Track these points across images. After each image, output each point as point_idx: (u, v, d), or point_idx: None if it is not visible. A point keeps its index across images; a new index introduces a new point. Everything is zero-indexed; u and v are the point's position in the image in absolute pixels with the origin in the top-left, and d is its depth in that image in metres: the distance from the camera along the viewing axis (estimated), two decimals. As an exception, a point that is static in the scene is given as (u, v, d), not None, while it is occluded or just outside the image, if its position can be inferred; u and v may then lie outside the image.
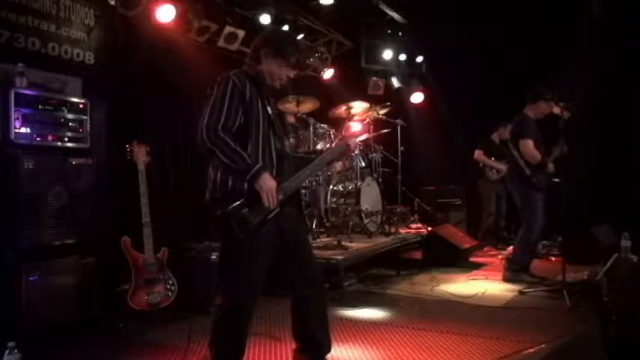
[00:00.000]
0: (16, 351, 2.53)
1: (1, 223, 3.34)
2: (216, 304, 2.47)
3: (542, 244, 6.25)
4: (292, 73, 2.60)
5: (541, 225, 4.85)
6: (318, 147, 5.57)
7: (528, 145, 4.77)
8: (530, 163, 4.78)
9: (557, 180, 4.82)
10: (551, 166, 4.81)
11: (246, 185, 2.34)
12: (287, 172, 2.51)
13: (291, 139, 5.58)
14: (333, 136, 5.84)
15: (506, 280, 4.90)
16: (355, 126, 6.13)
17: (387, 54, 7.47)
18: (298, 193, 2.63)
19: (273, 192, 2.33)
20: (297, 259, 2.60)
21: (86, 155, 3.74)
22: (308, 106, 5.84)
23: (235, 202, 2.33)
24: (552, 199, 4.87)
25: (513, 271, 4.90)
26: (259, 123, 2.43)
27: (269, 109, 2.51)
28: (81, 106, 3.76)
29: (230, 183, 2.36)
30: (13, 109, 3.37)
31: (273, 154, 2.47)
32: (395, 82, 7.74)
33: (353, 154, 5.70)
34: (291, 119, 5.91)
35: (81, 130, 3.75)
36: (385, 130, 6.21)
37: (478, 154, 6.84)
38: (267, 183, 2.32)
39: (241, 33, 5.58)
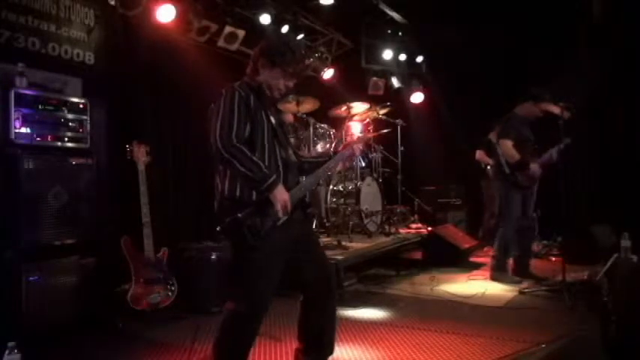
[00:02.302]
0: (16, 351, 2.53)
1: (1, 223, 3.34)
2: (228, 309, 2.48)
3: (542, 244, 6.26)
4: (292, 83, 2.60)
5: (516, 225, 4.86)
6: (319, 147, 5.57)
7: (506, 144, 4.81)
8: (510, 163, 4.81)
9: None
10: (533, 167, 4.79)
11: (254, 193, 2.35)
12: (291, 180, 2.53)
13: (291, 140, 5.59)
14: (333, 136, 5.84)
15: (492, 279, 4.92)
16: (356, 127, 6.13)
17: (387, 54, 7.47)
18: (303, 196, 2.64)
19: (287, 203, 2.35)
20: (309, 261, 2.61)
21: (86, 155, 3.74)
22: (308, 106, 5.84)
23: (244, 209, 2.34)
24: (552, 199, 4.88)
25: (496, 270, 4.94)
26: (264, 133, 2.45)
27: (272, 118, 2.52)
28: (81, 106, 3.76)
29: (238, 191, 2.38)
30: (13, 109, 3.37)
31: (279, 163, 2.48)
32: (395, 82, 7.74)
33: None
34: (291, 119, 5.91)
35: (81, 130, 3.75)
36: (385, 130, 6.22)
37: (480, 154, 6.84)
38: (283, 195, 2.34)
39: (241, 33, 5.58)
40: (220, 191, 2.44)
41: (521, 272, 4.97)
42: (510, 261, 5.06)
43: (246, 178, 2.34)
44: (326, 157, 2.81)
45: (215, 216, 2.46)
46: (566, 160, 4.61)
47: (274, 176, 2.35)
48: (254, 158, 2.33)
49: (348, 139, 5.77)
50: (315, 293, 2.63)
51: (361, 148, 2.83)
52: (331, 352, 2.70)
